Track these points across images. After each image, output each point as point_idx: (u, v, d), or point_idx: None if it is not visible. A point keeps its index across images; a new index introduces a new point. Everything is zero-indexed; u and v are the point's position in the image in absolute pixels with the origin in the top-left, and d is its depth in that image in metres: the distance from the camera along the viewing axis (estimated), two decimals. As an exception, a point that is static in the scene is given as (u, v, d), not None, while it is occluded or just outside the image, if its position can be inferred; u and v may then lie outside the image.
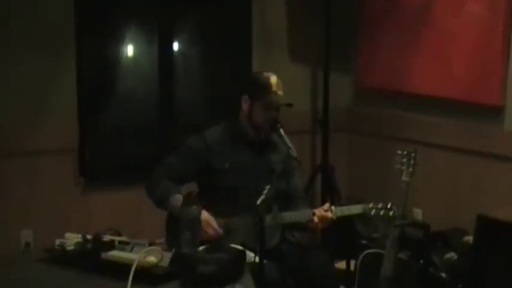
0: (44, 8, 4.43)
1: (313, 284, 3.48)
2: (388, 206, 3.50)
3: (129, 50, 4.91)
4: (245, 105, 3.56)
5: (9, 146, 4.41)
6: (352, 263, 3.97)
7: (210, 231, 3.38)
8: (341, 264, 4.47)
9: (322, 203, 3.64)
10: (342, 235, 4.45)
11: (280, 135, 3.47)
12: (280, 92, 3.53)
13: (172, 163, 3.59)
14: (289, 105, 3.52)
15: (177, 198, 3.39)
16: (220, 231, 3.41)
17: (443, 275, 3.86)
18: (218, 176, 3.53)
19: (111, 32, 4.80)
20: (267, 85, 3.51)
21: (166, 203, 3.45)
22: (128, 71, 4.91)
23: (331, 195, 4.98)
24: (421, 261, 3.91)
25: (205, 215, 3.38)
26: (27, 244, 4.54)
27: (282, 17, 5.23)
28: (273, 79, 3.53)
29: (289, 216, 3.50)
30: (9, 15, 4.34)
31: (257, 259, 2.95)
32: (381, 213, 3.49)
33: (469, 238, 4.12)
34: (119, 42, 4.85)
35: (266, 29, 5.20)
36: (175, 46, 5.02)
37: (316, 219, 3.42)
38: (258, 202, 3.00)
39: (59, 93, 4.57)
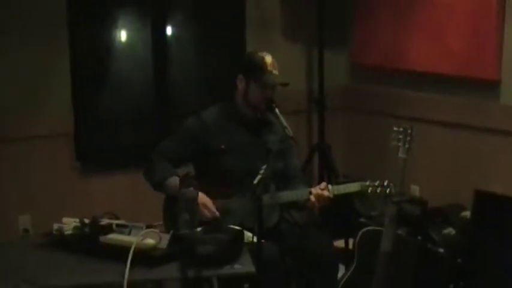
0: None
1: (312, 263, 3.48)
2: (385, 183, 3.50)
3: (123, 34, 4.90)
4: (240, 85, 3.55)
5: (5, 132, 4.40)
6: (351, 241, 3.97)
7: (208, 214, 3.38)
8: (340, 243, 4.48)
9: (320, 182, 3.63)
10: (340, 214, 4.46)
11: (275, 115, 3.46)
12: (275, 72, 3.52)
13: (169, 146, 3.58)
14: (285, 84, 3.51)
15: (174, 180, 3.39)
16: (218, 213, 3.42)
17: (442, 250, 3.87)
18: (214, 157, 3.52)
19: (104, 17, 4.78)
20: (262, 64, 3.49)
21: (163, 185, 3.46)
22: (122, 56, 4.90)
23: (329, 174, 4.98)
24: (420, 237, 3.92)
25: (203, 197, 3.38)
26: (26, 230, 4.54)
27: (275, -4, 5.21)
28: (268, 58, 3.51)
29: (287, 195, 3.50)
30: (1, 2, 4.30)
31: (255, 239, 2.96)
32: (378, 190, 3.49)
33: (467, 213, 4.14)
34: (112, 27, 4.83)
35: (260, 9, 5.17)
36: (169, 30, 5.00)
37: (313, 198, 3.42)
38: (255, 182, 3.00)
39: (53, 78, 4.56)
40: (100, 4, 4.75)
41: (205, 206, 3.39)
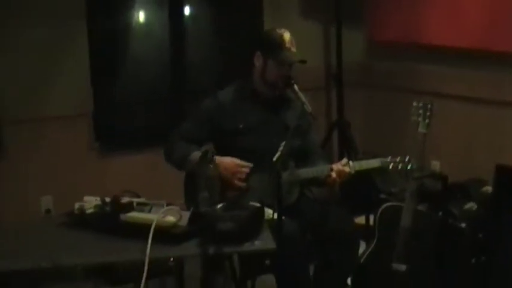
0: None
1: (332, 239, 3.48)
2: (406, 159, 3.49)
3: (140, 15, 4.90)
4: (258, 62, 3.53)
5: (24, 113, 4.43)
6: (372, 218, 3.97)
7: (242, 169, 3.40)
8: (360, 219, 4.47)
9: (340, 159, 3.61)
10: (361, 190, 4.45)
11: (294, 91, 3.44)
12: (293, 49, 3.49)
13: (187, 127, 3.58)
14: (303, 61, 3.48)
15: (196, 155, 3.37)
16: (250, 164, 3.42)
17: (463, 225, 3.86)
18: (233, 136, 3.52)
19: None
20: (280, 42, 3.46)
21: (186, 162, 3.44)
22: (139, 37, 4.91)
23: (348, 151, 4.96)
24: (440, 213, 3.91)
25: (229, 158, 3.40)
26: (48, 211, 4.58)
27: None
28: (286, 35, 3.48)
29: (307, 172, 3.49)
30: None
31: (275, 215, 2.96)
32: (399, 166, 3.49)
33: (488, 188, 4.11)
34: (130, 8, 4.84)
35: (276, -14, 5.15)
36: (186, 10, 5.00)
37: (334, 174, 3.41)
38: (274, 159, 2.99)
39: (72, 59, 4.57)
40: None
41: (234, 165, 3.40)
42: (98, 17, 4.64)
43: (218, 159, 3.26)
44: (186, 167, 3.48)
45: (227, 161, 3.42)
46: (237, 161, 3.44)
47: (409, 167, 3.47)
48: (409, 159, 3.48)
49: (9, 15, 4.32)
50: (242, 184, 3.44)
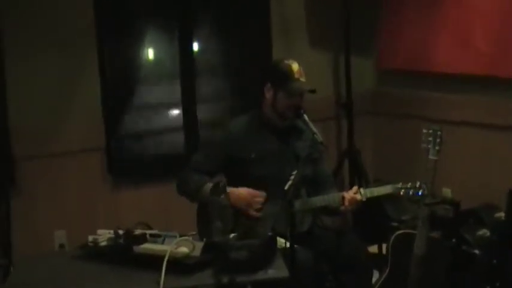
0: (64, 8, 4.47)
1: (346, 267, 3.48)
2: (417, 185, 3.49)
3: (150, 48, 4.96)
4: (268, 94, 3.56)
5: (36, 148, 4.46)
6: (384, 246, 3.96)
7: (257, 199, 3.41)
8: (373, 249, 4.46)
9: (351, 188, 3.62)
10: (372, 219, 4.45)
11: (304, 121, 3.47)
12: (302, 79, 3.53)
13: (199, 159, 3.60)
14: (313, 91, 3.51)
15: (209, 186, 3.38)
16: (264, 194, 3.43)
17: (477, 251, 3.84)
18: (245, 165, 3.54)
19: (132, 32, 4.83)
20: (289, 72, 3.50)
21: (199, 194, 3.47)
22: (150, 70, 4.97)
23: (359, 179, 4.97)
24: (454, 239, 3.89)
25: (244, 189, 3.42)
26: (62, 245, 4.58)
27: (300, 3, 5.21)
28: (295, 66, 3.52)
29: (319, 200, 3.51)
30: (30, 16, 4.38)
31: (288, 244, 2.96)
32: (410, 192, 3.49)
33: (501, 214, 4.10)
34: (140, 41, 4.89)
35: (285, 16, 5.19)
36: (195, 43, 5.04)
37: (346, 202, 3.41)
38: (286, 187, 3.01)
39: (83, 93, 4.61)
40: (128, 19, 4.81)
41: (249, 195, 3.41)
42: (108, 51, 4.69)
43: (232, 190, 3.28)
44: (198, 199, 3.50)
45: (242, 191, 3.44)
46: (251, 191, 3.45)
47: (420, 193, 3.47)
48: (420, 185, 3.48)
49: (21, 53, 4.37)
50: (258, 214, 3.45)
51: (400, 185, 3.51)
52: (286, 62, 3.55)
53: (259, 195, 3.45)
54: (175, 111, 5.02)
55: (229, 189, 3.18)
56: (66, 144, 4.54)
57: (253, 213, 3.44)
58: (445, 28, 4.68)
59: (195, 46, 5.04)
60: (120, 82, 4.83)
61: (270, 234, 3.05)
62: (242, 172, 3.54)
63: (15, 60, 4.36)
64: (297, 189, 3.29)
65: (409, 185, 3.50)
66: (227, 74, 5.22)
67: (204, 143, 3.66)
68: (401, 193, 3.50)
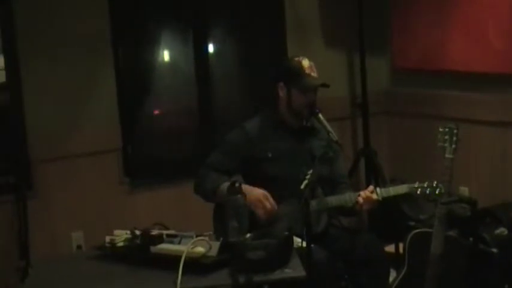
0: (80, 11, 4.51)
1: (363, 266, 3.47)
2: (434, 184, 3.48)
3: (166, 51, 4.98)
4: (282, 93, 3.57)
5: (53, 150, 4.49)
6: (401, 246, 3.95)
7: (268, 205, 3.38)
8: (390, 248, 4.45)
9: (367, 188, 3.60)
10: (389, 218, 4.44)
11: (319, 120, 3.47)
12: (314, 74, 3.53)
13: (215, 159, 3.60)
14: (326, 85, 3.51)
15: (226, 186, 3.38)
16: (276, 205, 3.41)
17: (494, 250, 3.82)
18: (261, 165, 3.54)
19: (147, 36, 4.87)
20: (300, 69, 3.51)
21: (216, 194, 3.47)
22: (165, 73, 4.99)
23: (376, 179, 4.96)
24: (471, 238, 3.87)
25: (260, 190, 3.39)
26: (79, 247, 4.61)
27: (314, 3, 5.22)
28: (305, 62, 3.53)
29: (335, 200, 3.49)
30: (46, 19, 4.43)
31: (304, 244, 2.96)
32: (427, 191, 3.47)
33: (519, 212, 4.08)
34: (155, 45, 4.92)
35: (299, 17, 5.20)
36: (210, 46, 5.06)
37: (361, 199, 3.41)
38: (302, 187, 3.01)
39: (99, 95, 4.64)
40: (143, 21, 4.83)
41: (264, 198, 3.38)
42: (124, 54, 4.72)
43: (246, 187, 3.26)
44: (215, 199, 3.50)
45: (256, 191, 3.41)
46: (265, 193, 3.42)
47: (437, 192, 3.46)
48: (436, 184, 3.47)
49: (37, 55, 4.41)
50: (264, 217, 3.42)
51: (416, 184, 3.50)
52: (296, 59, 3.57)
53: (271, 202, 3.43)
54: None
55: (246, 187, 3.17)
56: (82, 146, 4.56)
57: (261, 215, 3.41)
58: (459, 26, 4.67)
59: (210, 48, 5.05)
60: (136, 84, 4.85)
61: (286, 233, 3.05)
62: (259, 172, 3.55)
63: (31, 64, 4.40)
64: (313, 189, 3.29)
65: (425, 184, 3.48)
66: (242, 75, 5.23)
67: (221, 143, 3.65)
68: (418, 192, 3.48)
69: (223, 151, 3.62)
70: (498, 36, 4.40)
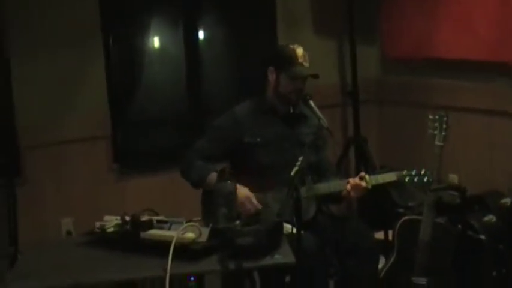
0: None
1: (352, 253, 3.48)
2: (422, 172, 3.49)
3: (155, 38, 4.97)
4: (271, 77, 3.57)
5: (42, 137, 4.48)
6: (390, 233, 3.96)
7: (250, 207, 3.40)
8: (379, 235, 4.47)
9: (357, 175, 3.62)
10: (378, 205, 4.45)
11: (310, 107, 3.47)
12: (306, 64, 3.53)
13: (204, 146, 3.60)
14: (315, 76, 3.51)
15: (213, 176, 3.40)
16: (260, 206, 3.43)
17: (483, 237, 3.84)
18: (250, 151, 3.54)
19: (136, 21, 4.85)
20: (292, 56, 3.51)
21: (204, 182, 3.48)
22: (155, 59, 4.98)
23: (365, 166, 4.97)
24: (460, 225, 3.89)
25: (244, 191, 3.40)
26: (69, 232, 4.61)
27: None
28: (299, 50, 3.53)
29: (324, 187, 3.50)
30: (35, 3, 4.40)
31: (294, 230, 2.97)
32: (416, 179, 3.48)
33: (507, 200, 4.09)
34: (145, 30, 4.90)
35: (289, 5, 5.19)
36: (200, 32, 5.05)
37: (349, 186, 3.41)
38: (292, 173, 3.01)
39: (88, 82, 4.63)
40: (132, 9, 4.81)
41: (248, 200, 3.40)
42: (113, 41, 4.70)
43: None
44: (203, 187, 3.51)
45: (241, 191, 3.40)
46: (250, 196, 3.43)
47: (425, 180, 3.48)
48: (425, 172, 3.48)
49: (26, 42, 4.38)
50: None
51: (405, 172, 3.51)
52: (291, 46, 3.57)
53: (254, 204, 3.43)
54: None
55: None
56: (72, 133, 4.56)
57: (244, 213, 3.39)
58: (447, 15, 4.67)
59: (200, 35, 5.04)
60: (126, 71, 4.84)
61: (276, 220, 3.05)
62: (247, 157, 3.55)
63: (20, 50, 4.37)
64: (303, 176, 3.29)
65: (413, 172, 3.50)
66: (232, 62, 5.22)
67: (210, 128, 3.65)
68: (406, 180, 3.50)
69: (211, 137, 3.61)
70: (486, 25, 4.41)
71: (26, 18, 4.38)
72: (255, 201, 3.43)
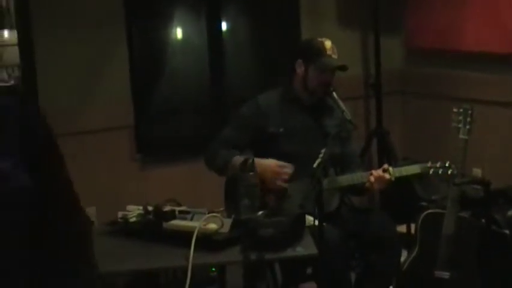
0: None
1: (374, 246, 3.47)
2: (447, 165, 3.47)
3: (178, 27, 4.96)
4: (299, 70, 3.57)
5: (66, 126, 4.47)
6: (413, 226, 3.94)
7: (286, 172, 3.38)
8: (401, 228, 4.44)
9: (379, 168, 3.60)
10: (401, 198, 4.42)
11: (333, 99, 3.47)
12: (334, 56, 3.54)
13: (228, 134, 3.61)
14: (344, 68, 3.52)
15: (237, 159, 3.37)
16: (292, 167, 3.41)
17: (507, 231, 3.81)
18: (273, 140, 3.53)
19: (159, 11, 4.84)
20: (321, 48, 3.51)
21: (227, 168, 3.47)
22: (178, 49, 4.97)
23: (388, 159, 4.93)
24: (483, 219, 3.86)
25: (270, 161, 3.40)
26: (91, 222, 4.62)
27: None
28: (328, 43, 3.54)
29: (347, 179, 3.49)
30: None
31: (316, 222, 2.96)
32: (439, 172, 3.47)
33: (532, 194, 4.06)
34: (168, 21, 4.89)
35: (314, -4, 5.17)
36: (224, 21, 5.03)
37: (372, 178, 3.40)
38: (315, 165, 3.00)
39: (112, 72, 4.63)
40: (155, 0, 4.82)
41: (278, 165, 3.39)
42: (137, 31, 4.70)
43: (258, 161, 3.25)
44: (227, 172, 3.50)
45: (268, 162, 3.42)
46: (278, 162, 3.44)
47: (449, 172, 3.45)
48: (449, 165, 3.46)
49: (50, 33, 4.39)
50: (285, 185, 3.43)
51: (429, 164, 3.49)
52: (319, 39, 3.59)
53: (286, 166, 3.43)
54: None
55: (257, 160, 3.17)
56: (95, 123, 4.56)
57: (280, 184, 3.41)
58: (473, 6, 4.63)
59: (223, 25, 5.03)
60: (149, 61, 4.85)
61: (298, 212, 3.05)
62: (270, 147, 3.54)
63: (44, 41, 4.38)
64: (325, 168, 3.28)
65: (438, 164, 3.48)
66: (254, 52, 5.20)
67: (234, 117, 3.66)
68: (431, 172, 3.48)
69: (235, 125, 3.62)
70: (510, 16, 4.35)
71: (50, 11, 4.37)
72: (285, 164, 3.41)
